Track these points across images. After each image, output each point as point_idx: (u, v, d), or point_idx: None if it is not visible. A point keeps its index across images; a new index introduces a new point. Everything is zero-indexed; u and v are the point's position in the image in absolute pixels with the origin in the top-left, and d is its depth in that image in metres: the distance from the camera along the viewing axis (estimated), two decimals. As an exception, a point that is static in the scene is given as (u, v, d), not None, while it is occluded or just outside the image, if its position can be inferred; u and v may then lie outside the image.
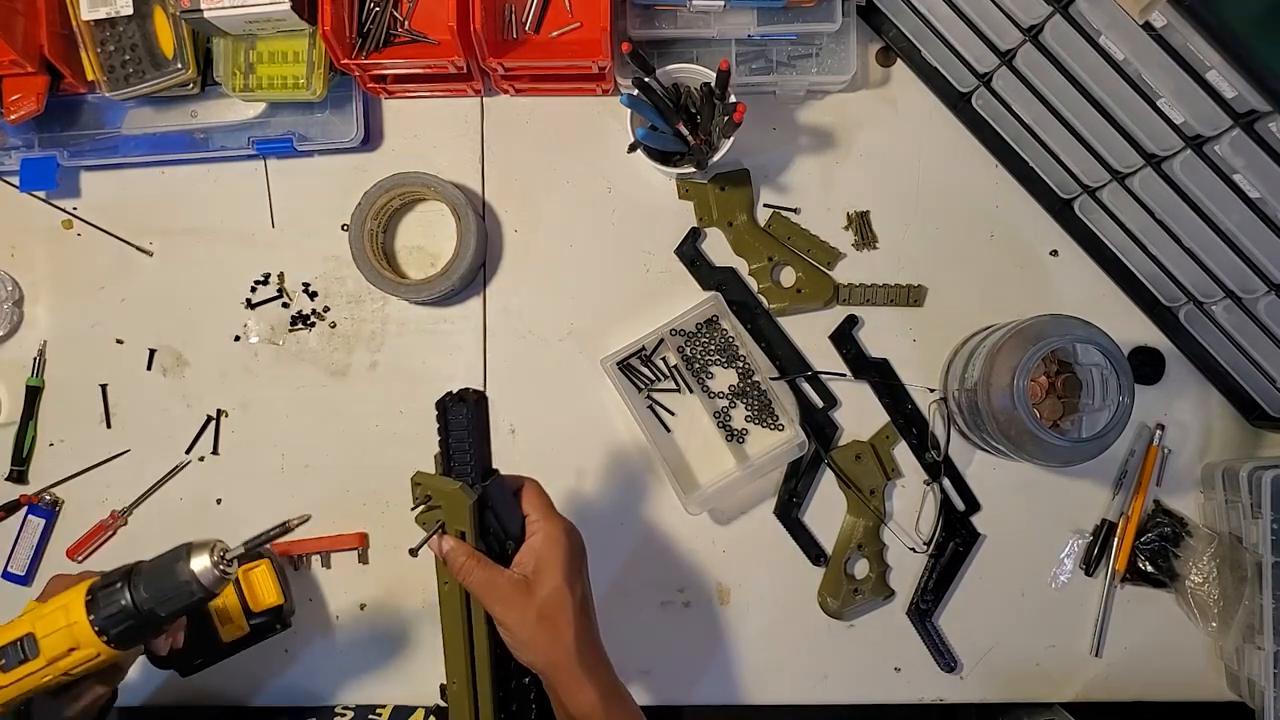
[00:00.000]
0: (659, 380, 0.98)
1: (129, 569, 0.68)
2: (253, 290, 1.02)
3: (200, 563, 0.66)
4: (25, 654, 0.67)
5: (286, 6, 0.90)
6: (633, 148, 0.91)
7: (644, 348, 0.97)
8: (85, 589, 0.68)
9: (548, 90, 1.01)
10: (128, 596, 0.67)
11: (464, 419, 0.76)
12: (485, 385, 1.00)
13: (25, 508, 1.01)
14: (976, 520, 0.97)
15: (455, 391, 0.76)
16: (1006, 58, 0.86)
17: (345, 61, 0.93)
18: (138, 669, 0.89)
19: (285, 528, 0.69)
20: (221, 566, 0.67)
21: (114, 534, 1.01)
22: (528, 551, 0.74)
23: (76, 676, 0.70)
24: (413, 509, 0.75)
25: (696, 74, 0.92)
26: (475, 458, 0.76)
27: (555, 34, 0.96)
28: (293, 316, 1.02)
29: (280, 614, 0.92)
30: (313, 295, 1.02)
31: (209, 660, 0.91)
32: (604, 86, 0.99)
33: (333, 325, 1.02)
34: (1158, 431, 0.97)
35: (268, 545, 0.72)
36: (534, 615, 0.72)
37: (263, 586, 0.91)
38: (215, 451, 1.01)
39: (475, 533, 0.73)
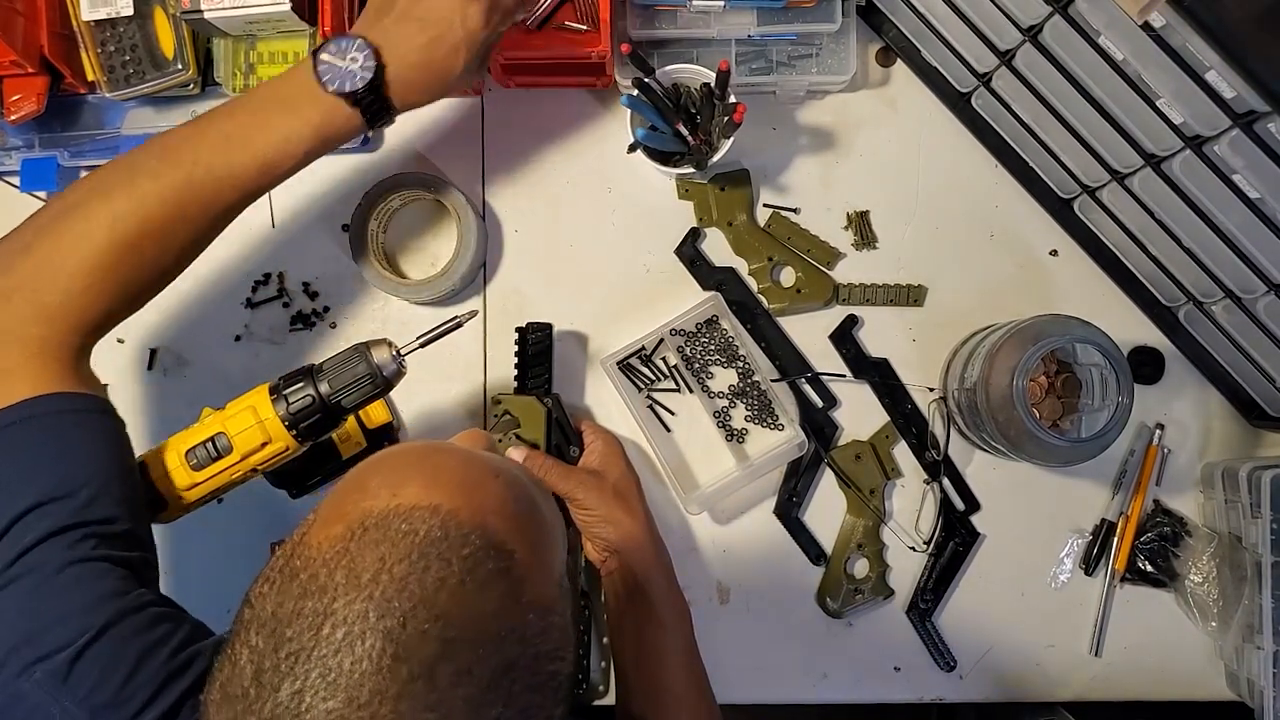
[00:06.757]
0: (659, 380, 0.98)
1: (309, 368, 0.72)
2: (253, 290, 1.02)
3: (380, 355, 0.72)
4: (218, 452, 0.71)
5: (286, 7, 0.90)
6: (633, 148, 0.91)
7: (644, 348, 0.97)
8: (266, 389, 0.72)
9: (548, 83, 1.01)
10: (313, 390, 0.71)
11: (539, 343, 0.93)
12: (485, 385, 1.00)
13: (26, 507, 1.01)
14: (976, 520, 0.97)
15: (529, 323, 0.93)
16: (1006, 58, 0.86)
17: (345, 62, 0.93)
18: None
19: (457, 323, 0.76)
20: (398, 360, 0.72)
21: (115, 533, 1.01)
22: (591, 453, 0.91)
23: (263, 472, 0.74)
24: (490, 427, 0.90)
25: (696, 74, 0.92)
26: (545, 378, 0.94)
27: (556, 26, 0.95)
28: (293, 316, 1.02)
29: (390, 430, 0.96)
30: (313, 295, 1.02)
31: (325, 478, 0.95)
32: (603, 81, 0.99)
33: (333, 325, 1.02)
34: (1157, 431, 0.97)
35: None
36: (610, 494, 0.87)
37: (375, 408, 0.95)
38: (216, 451, 1.02)
39: (546, 440, 0.88)
